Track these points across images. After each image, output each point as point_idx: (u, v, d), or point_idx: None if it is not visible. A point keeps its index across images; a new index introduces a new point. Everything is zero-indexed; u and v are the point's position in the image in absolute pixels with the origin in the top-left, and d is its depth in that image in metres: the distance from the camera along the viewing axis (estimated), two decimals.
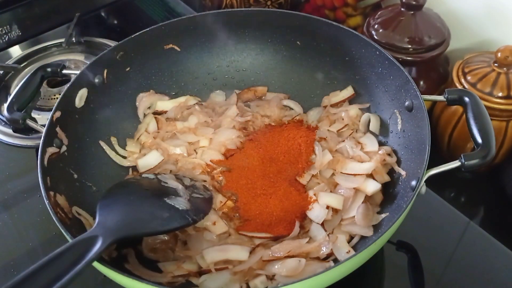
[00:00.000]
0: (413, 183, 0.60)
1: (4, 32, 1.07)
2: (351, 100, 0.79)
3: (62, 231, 0.55)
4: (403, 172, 0.65)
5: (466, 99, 0.63)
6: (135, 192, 0.63)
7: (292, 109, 0.82)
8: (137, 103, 0.80)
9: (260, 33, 0.83)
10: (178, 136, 0.77)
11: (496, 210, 0.79)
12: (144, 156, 0.75)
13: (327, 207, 0.65)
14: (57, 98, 0.75)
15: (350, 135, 0.74)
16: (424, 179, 0.57)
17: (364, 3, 1.00)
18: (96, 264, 0.52)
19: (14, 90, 0.71)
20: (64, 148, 0.67)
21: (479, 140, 0.59)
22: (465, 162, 0.57)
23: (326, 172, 0.70)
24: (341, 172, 0.69)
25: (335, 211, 0.66)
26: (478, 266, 0.68)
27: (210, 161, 0.73)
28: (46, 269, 0.47)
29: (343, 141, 0.73)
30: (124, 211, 0.58)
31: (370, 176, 0.67)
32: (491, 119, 0.61)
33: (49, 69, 0.73)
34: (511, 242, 0.70)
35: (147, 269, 0.61)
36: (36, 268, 0.47)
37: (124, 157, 0.75)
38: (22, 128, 0.67)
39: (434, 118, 0.82)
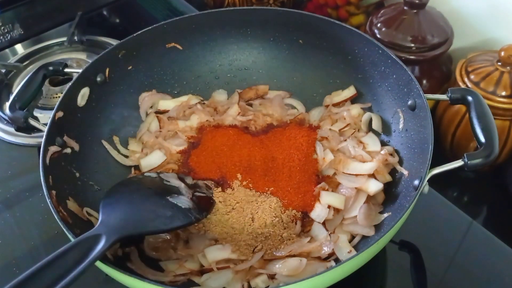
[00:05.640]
0: (416, 182, 0.60)
1: (6, 30, 1.07)
2: (353, 99, 0.78)
3: (64, 230, 0.55)
4: (405, 172, 0.65)
5: (469, 98, 0.63)
6: (138, 190, 0.63)
7: (294, 108, 0.82)
8: (139, 103, 0.80)
9: (262, 32, 0.83)
10: (180, 135, 0.77)
11: (499, 209, 0.78)
12: (146, 156, 0.75)
13: (329, 207, 0.65)
14: (59, 97, 0.75)
15: (352, 134, 0.74)
16: (427, 178, 0.56)
17: (366, 2, 1.00)
18: (98, 263, 0.52)
19: (16, 89, 0.71)
20: (66, 147, 0.67)
21: (482, 139, 0.58)
22: (468, 162, 0.57)
23: (328, 171, 0.70)
24: (343, 172, 0.69)
25: (337, 210, 0.66)
26: (481, 265, 0.68)
27: None
28: (49, 268, 0.47)
29: (345, 140, 0.73)
30: (127, 209, 0.58)
31: (372, 175, 0.67)
32: (494, 118, 0.61)
33: (51, 68, 0.73)
34: None
35: (149, 268, 0.61)
36: (40, 267, 0.47)
37: (126, 156, 0.75)
38: (24, 127, 0.67)
39: (437, 117, 0.82)
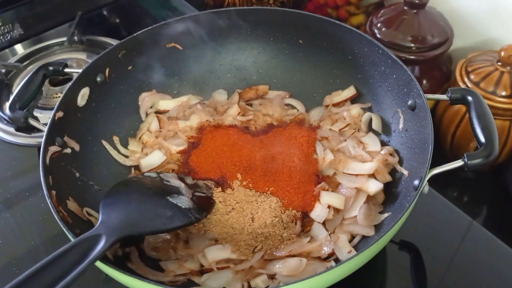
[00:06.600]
0: (416, 182, 0.60)
1: (6, 30, 1.07)
2: (353, 99, 0.78)
3: (64, 230, 0.55)
4: (405, 172, 0.65)
5: (469, 98, 0.63)
6: (138, 190, 0.63)
7: (294, 108, 0.82)
8: (139, 103, 0.80)
9: (262, 32, 0.83)
10: (180, 135, 0.77)
11: (499, 209, 0.78)
12: (146, 156, 0.75)
13: (329, 207, 0.65)
14: (59, 97, 0.75)
15: (352, 134, 0.74)
16: (427, 178, 0.56)
17: (366, 2, 1.00)
18: (98, 263, 0.52)
19: (16, 89, 0.71)
20: (66, 147, 0.67)
21: (482, 139, 0.58)
22: (468, 162, 0.57)
23: (328, 171, 0.70)
24: (343, 172, 0.69)
25: (337, 210, 0.66)
26: (480, 265, 0.68)
27: None
28: (49, 268, 0.47)
29: (345, 140, 0.73)
30: (127, 209, 0.58)
31: (372, 175, 0.67)
32: (494, 118, 0.61)
33: (51, 68, 0.73)
34: None
35: (149, 268, 0.61)
36: (40, 267, 0.47)
37: (126, 156, 0.75)
38: (24, 127, 0.67)
39: (437, 117, 0.82)
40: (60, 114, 0.67)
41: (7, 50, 1.08)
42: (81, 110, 0.72)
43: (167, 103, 0.81)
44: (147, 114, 0.80)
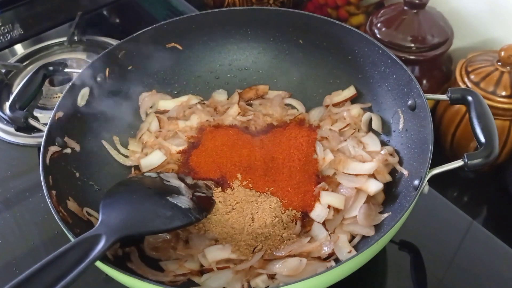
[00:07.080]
0: (416, 182, 0.60)
1: (6, 30, 1.07)
2: (353, 99, 0.79)
3: (64, 230, 0.55)
4: (405, 172, 0.65)
5: (469, 98, 0.63)
6: (138, 190, 0.63)
7: (294, 108, 0.82)
8: (139, 103, 0.80)
9: (262, 32, 0.83)
10: (180, 135, 0.77)
11: (499, 209, 0.78)
12: (146, 156, 0.75)
13: (329, 207, 0.65)
14: (59, 97, 0.76)
15: (352, 134, 0.74)
16: (427, 178, 0.56)
17: (366, 2, 1.00)
18: (98, 263, 0.52)
19: (16, 89, 0.71)
20: (66, 147, 0.67)
21: (482, 139, 0.58)
22: (468, 162, 0.57)
23: (328, 171, 0.70)
24: (343, 172, 0.69)
25: (337, 210, 0.66)
26: (480, 265, 0.68)
27: None
28: (50, 267, 0.47)
29: (345, 140, 0.73)
30: (127, 209, 0.58)
31: (372, 175, 0.67)
32: (494, 118, 0.61)
33: (51, 68, 0.73)
34: None
35: (149, 268, 0.61)
36: (40, 267, 0.47)
37: (126, 156, 0.75)
38: (24, 127, 0.67)
39: (437, 117, 0.82)
40: (60, 114, 0.67)
41: (7, 50, 1.08)
42: (81, 110, 0.72)
43: (167, 103, 0.81)
44: (147, 114, 0.80)
